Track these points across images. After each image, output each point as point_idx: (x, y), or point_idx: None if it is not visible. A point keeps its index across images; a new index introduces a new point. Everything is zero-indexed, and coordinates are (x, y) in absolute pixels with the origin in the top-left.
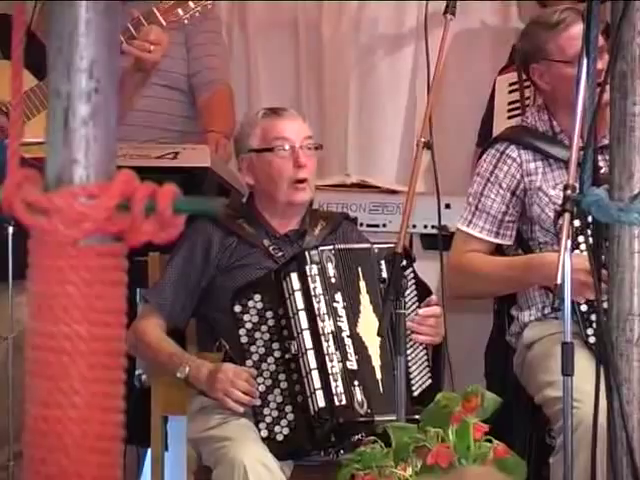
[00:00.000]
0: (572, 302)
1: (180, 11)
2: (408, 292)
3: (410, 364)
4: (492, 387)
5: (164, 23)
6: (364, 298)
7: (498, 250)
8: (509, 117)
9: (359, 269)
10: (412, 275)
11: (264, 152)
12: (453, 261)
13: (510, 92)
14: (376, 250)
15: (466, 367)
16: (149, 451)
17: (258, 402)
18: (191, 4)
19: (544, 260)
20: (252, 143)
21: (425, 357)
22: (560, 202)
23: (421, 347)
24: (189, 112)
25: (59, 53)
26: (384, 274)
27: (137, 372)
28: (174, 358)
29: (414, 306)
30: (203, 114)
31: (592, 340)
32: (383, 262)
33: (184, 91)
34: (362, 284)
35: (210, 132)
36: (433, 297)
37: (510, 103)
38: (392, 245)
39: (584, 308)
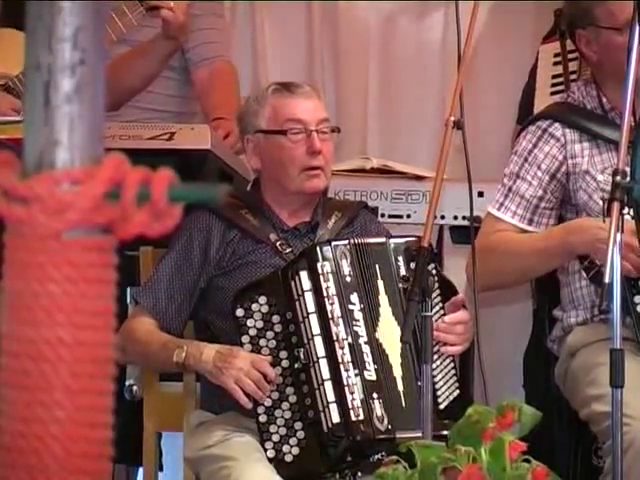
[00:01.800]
0: (626, 302)
1: None
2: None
3: (435, 373)
4: (531, 399)
5: None
6: (383, 299)
7: None
8: (552, 93)
9: (376, 266)
10: (435, 272)
11: (274, 134)
12: (480, 243)
13: (555, 64)
14: (392, 245)
15: (501, 376)
16: (141, 471)
17: (269, 402)
18: None
19: (584, 224)
20: (260, 123)
21: (452, 365)
22: (608, 188)
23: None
24: (183, 91)
25: (39, 20)
26: (402, 272)
27: (128, 382)
28: (169, 344)
29: (437, 307)
30: (204, 96)
31: None
32: (401, 258)
33: (176, 68)
34: (380, 283)
35: (219, 119)
36: (460, 297)
37: (555, 77)
38: (411, 239)
39: None
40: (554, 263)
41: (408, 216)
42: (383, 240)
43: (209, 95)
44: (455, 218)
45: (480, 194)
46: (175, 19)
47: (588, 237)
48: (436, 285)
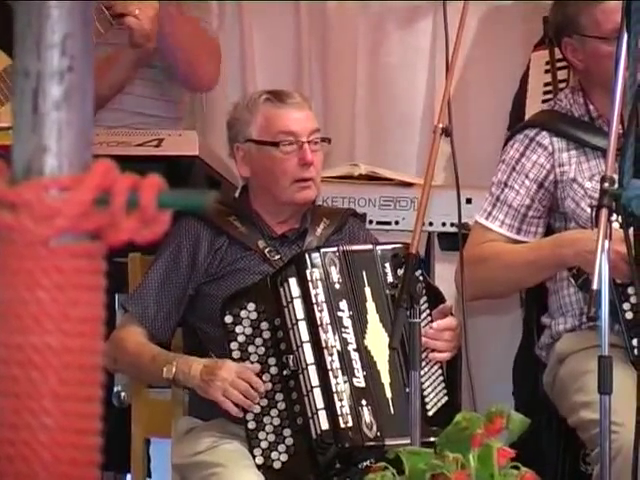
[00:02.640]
0: (615, 309)
1: None
2: None
3: (423, 379)
4: (520, 407)
5: None
6: (370, 306)
7: None
8: (544, 100)
9: (364, 273)
10: (422, 279)
11: (266, 145)
12: (468, 254)
13: (547, 71)
14: (379, 251)
15: (490, 383)
16: (129, 478)
17: (257, 409)
18: None
19: (575, 236)
20: (252, 132)
21: (440, 371)
22: (597, 195)
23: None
24: (169, 95)
25: (27, 26)
26: (390, 278)
27: (116, 389)
28: (158, 359)
29: (425, 314)
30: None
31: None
32: (388, 265)
33: (157, 67)
34: (367, 290)
35: None
36: (447, 304)
37: (546, 84)
38: (398, 245)
39: (629, 316)
40: (544, 275)
41: (396, 223)
42: (370, 247)
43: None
44: (443, 225)
45: (468, 201)
46: (140, 26)
47: (579, 249)
48: (423, 292)
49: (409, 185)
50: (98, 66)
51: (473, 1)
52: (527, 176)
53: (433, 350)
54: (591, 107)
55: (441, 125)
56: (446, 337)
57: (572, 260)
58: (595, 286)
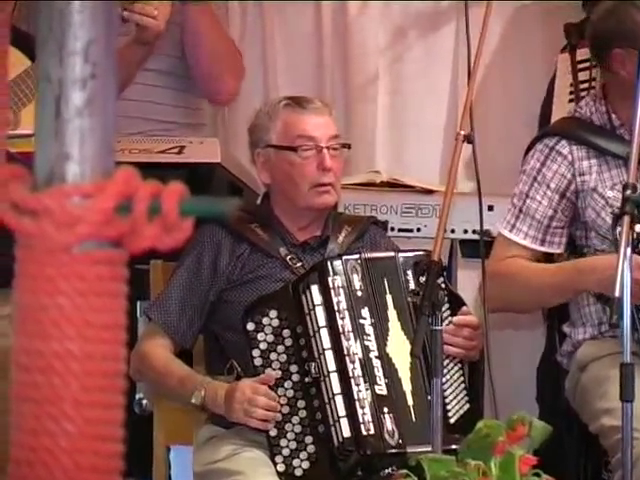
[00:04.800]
0: (634, 317)
1: None
2: None
3: (445, 387)
4: (544, 413)
5: None
6: (392, 314)
7: (547, 260)
8: (570, 100)
9: (385, 281)
10: (443, 286)
11: (285, 150)
12: (491, 268)
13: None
14: (401, 259)
15: (515, 390)
16: None
17: (279, 417)
18: None
19: (596, 263)
20: (271, 138)
21: (461, 378)
22: (618, 204)
23: (456, 367)
24: (187, 102)
25: (49, 33)
26: (412, 286)
27: (137, 396)
28: (186, 382)
29: (446, 321)
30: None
31: None
32: (410, 272)
33: (180, 76)
34: (389, 298)
35: None
36: (465, 308)
37: (571, 85)
38: (420, 253)
39: None
40: (564, 298)
41: (418, 230)
42: (392, 254)
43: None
44: (465, 232)
45: (490, 208)
46: (157, 27)
47: (599, 277)
48: (445, 299)
49: (431, 192)
50: None
51: (495, 7)
52: (549, 186)
53: (451, 346)
54: (613, 116)
55: (463, 132)
56: (465, 334)
57: (593, 287)
58: (617, 294)
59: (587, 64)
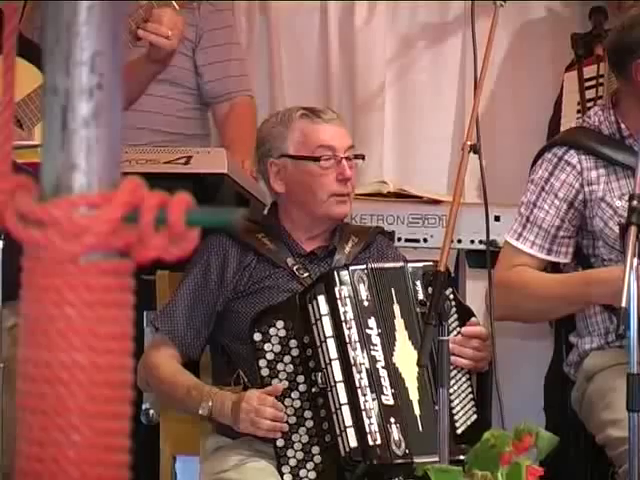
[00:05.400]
0: None
1: None
2: (449, 316)
3: (452, 397)
4: (551, 423)
5: (177, 7)
6: (399, 324)
7: (555, 270)
8: (578, 118)
9: (392, 291)
10: (452, 296)
11: (305, 160)
12: (499, 276)
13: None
14: (410, 269)
15: (522, 400)
16: None
17: (286, 428)
18: None
19: (605, 275)
20: (288, 147)
21: (469, 389)
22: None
23: (464, 377)
24: (194, 113)
25: (56, 43)
26: (420, 296)
27: (144, 406)
28: (193, 392)
29: (455, 332)
30: (223, 131)
31: None
32: (419, 282)
33: (191, 89)
34: (396, 308)
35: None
36: (474, 319)
37: (579, 103)
38: (428, 263)
39: None
40: (571, 309)
41: (425, 240)
42: (401, 264)
43: (228, 129)
44: (472, 242)
45: (497, 218)
46: (170, 47)
47: (609, 290)
48: (454, 310)
49: (438, 202)
50: None
51: (502, 18)
52: (557, 196)
53: (459, 357)
54: (622, 125)
55: (469, 142)
56: (474, 345)
57: (602, 299)
58: (623, 304)
59: (594, 82)
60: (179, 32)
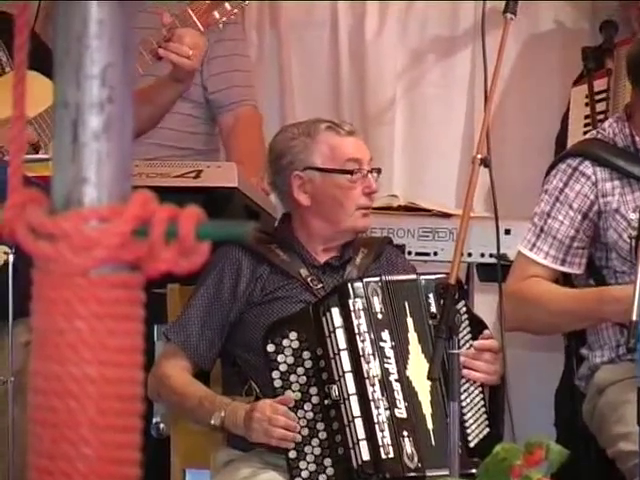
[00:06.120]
0: None
1: (216, 14)
2: (461, 329)
3: (465, 410)
4: (562, 437)
5: (201, 27)
6: (412, 336)
7: (566, 280)
8: (585, 132)
9: (405, 303)
10: (465, 309)
11: (335, 173)
12: (510, 287)
13: (587, 104)
14: (423, 281)
15: (533, 413)
16: None
17: (299, 438)
18: (227, 6)
19: (619, 293)
20: (315, 160)
21: (482, 402)
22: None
23: (477, 390)
24: (204, 128)
25: (66, 56)
26: (433, 309)
27: (155, 420)
28: (205, 403)
29: (467, 345)
30: (229, 142)
31: None
32: (432, 295)
33: (199, 103)
34: (409, 320)
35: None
36: (487, 332)
37: (587, 116)
38: (442, 275)
39: None
40: (583, 325)
41: (435, 254)
42: (414, 277)
43: (233, 142)
44: (482, 256)
45: (507, 231)
46: (190, 67)
47: (622, 308)
48: (466, 322)
49: (448, 216)
50: (137, 100)
51: (512, 32)
52: (571, 206)
53: (472, 370)
54: (637, 138)
55: (480, 155)
56: (486, 357)
57: (614, 317)
58: (634, 317)
59: (604, 95)
60: (200, 52)
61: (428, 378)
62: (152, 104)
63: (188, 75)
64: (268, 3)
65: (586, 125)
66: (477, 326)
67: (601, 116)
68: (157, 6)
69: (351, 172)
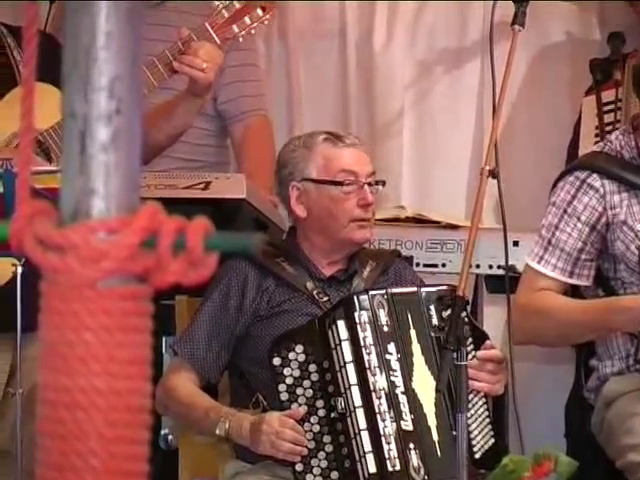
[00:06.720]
0: None
1: (235, 28)
2: None
3: (470, 421)
4: (572, 449)
5: (218, 41)
6: (416, 349)
7: (575, 291)
8: (596, 142)
9: (408, 316)
10: (467, 320)
11: (327, 184)
12: (519, 300)
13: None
14: (424, 293)
15: (543, 426)
16: None
17: (306, 451)
18: (247, 20)
19: (627, 304)
20: (310, 171)
21: (486, 413)
22: None
23: (481, 401)
24: (215, 141)
25: (75, 68)
26: (435, 321)
27: (163, 432)
28: (211, 414)
29: (470, 356)
30: (239, 151)
31: None
32: (433, 307)
33: (210, 115)
34: (413, 333)
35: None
36: (489, 342)
37: (597, 127)
38: (442, 287)
39: None
40: (594, 336)
41: (443, 265)
42: (414, 289)
43: (244, 153)
44: (490, 267)
45: (515, 243)
46: (205, 80)
47: (632, 317)
48: (469, 333)
49: (456, 227)
50: (157, 115)
51: (521, 43)
52: (579, 219)
53: (475, 380)
54: None
55: (488, 167)
56: (489, 368)
57: (624, 328)
58: None
59: (612, 106)
60: (215, 65)
61: (436, 391)
62: (170, 119)
63: (205, 89)
64: (276, 13)
65: (596, 136)
66: (479, 337)
67: (609, 127)
68: (176, 20)
69: (341, 183)
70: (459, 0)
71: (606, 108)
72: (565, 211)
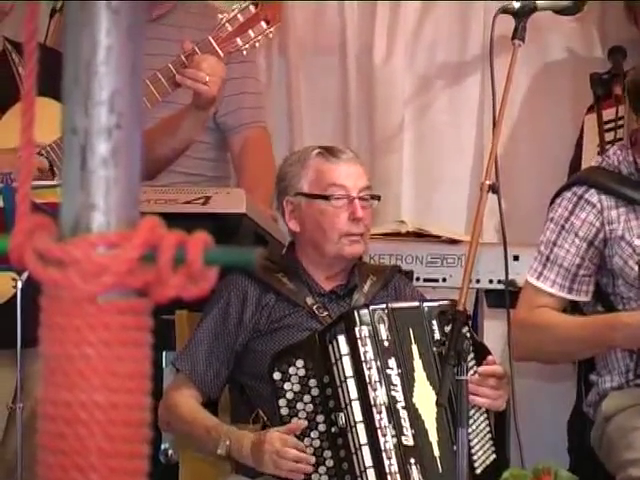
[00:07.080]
0: None
1: (239, 41)
2: None
3: (471, 437)
4: (575, 463)
5: (222, 54)
6: (417, 364)
7: (575, 307)
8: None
9: (410, 331)
10: (468, 335)
11: (316, 199)
12: (519, 316)
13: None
14: (426, 308)
15: (544, 442)
16: None
17: (310, 469)
18: (251, 33)
19: (625, 319)
20: (302, 186)
21: (487, 428)
22: None
23: (482, 417)
24: (215, 155)
25: (75, 83)
26: (437, 335)
27: (163, 446)
28: (212, 432)
29: (471, 371)
30: (238, 163)
31: None
32: (435, 322)
33: (210, 128)
34: (414, 348)
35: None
36: (490, 357)
37: (598, 146)
38: (445, 302)
39: None
40: (594, 352)
41: (444, 280)
42: (417, 304)
43: (243, 165)
44: (490, 282)
45: (516, 258)
46: (208, 93)
47: (631, 334)
48: (470, 348)
49: (456, 242)
50: (162, 130)
51: (522, 58)
52: (577, 235)
53: (476, 395)
54: None
55: (488, 182)
56: (491, 383)
57: (624, 344)
58: None
59: (613, 124)
60: (218, 78)
61: (437, 405)
62: (176, 134)
63: (208, 102)
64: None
65: (598, 154)
66: (481, 352)
67: (610, 146)
68: (176, 35)
69: (328, 197)
70: (459, 14)
71: (607, 127)
72: (563, 227)
